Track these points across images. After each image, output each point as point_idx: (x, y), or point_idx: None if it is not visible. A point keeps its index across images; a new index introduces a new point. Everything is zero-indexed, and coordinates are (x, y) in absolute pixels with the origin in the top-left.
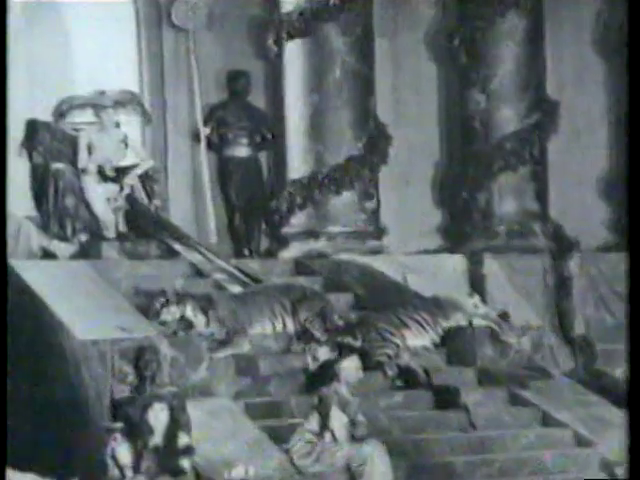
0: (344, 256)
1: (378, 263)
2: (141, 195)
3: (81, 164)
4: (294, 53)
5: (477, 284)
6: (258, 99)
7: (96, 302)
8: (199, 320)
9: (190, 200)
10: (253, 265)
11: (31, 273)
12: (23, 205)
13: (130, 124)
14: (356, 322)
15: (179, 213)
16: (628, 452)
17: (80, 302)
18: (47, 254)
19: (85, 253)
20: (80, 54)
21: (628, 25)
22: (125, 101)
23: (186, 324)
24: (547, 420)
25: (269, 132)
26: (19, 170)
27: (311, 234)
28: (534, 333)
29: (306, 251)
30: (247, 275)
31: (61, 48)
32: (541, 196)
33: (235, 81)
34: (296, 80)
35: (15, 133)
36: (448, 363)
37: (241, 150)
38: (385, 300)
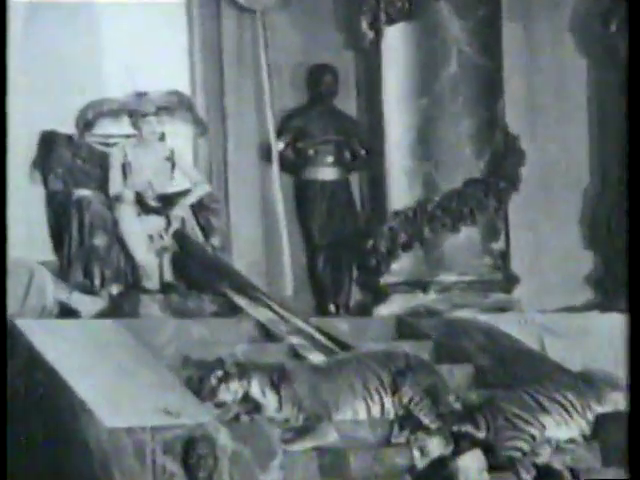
0: (462, 314)
1: (507, 323)
2: (194, 231)
3: (114, 190)
4: (396, 42)
5: None
6: (348, 103)
7: (131, 376)
8: (269, 400)
9: (258, 238)
10: (341, 325)
11: (44, 337)
12: (36, 246)
13: (179, 136)
14: (478, 404)
15: (244, 255)
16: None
17: (109, 376)
18: (66, 311)
19: (117, 310)
20: (114, 48)
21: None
22: (172, 106)
23: (252, 406)
24: None
25: (363, 147)
26: (31, 199)
27: (418, 284)
28: None
29: (411, 307)
30: (333, 339)
31: (89, 43)
32: None
33: (318, 79)
34: (398, 78)
35: (25, 149)
36: (604, 462)
37: (326, 171)
38: (517, 374)
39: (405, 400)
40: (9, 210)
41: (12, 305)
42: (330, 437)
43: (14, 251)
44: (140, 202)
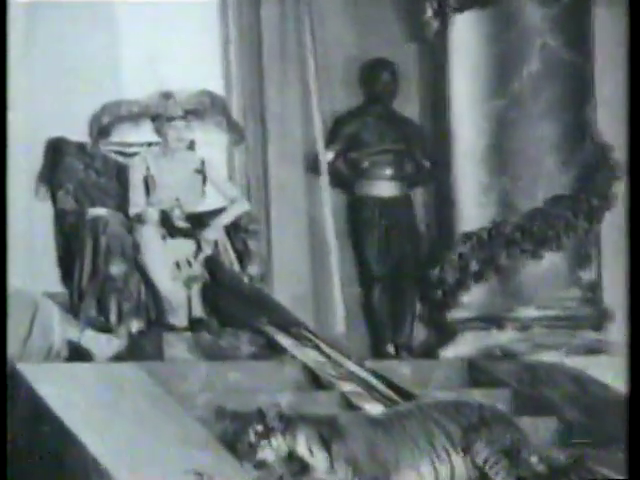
0: (545, 357)
1: (599, 369)
2: (229, 257)
3: (134, 209)
4: (465, 33)
5: None
6: (409, 106)
7: (153, 430)
8: (318, 459)
9: (304, 265)
10: (402, 370)
11: (50, 384)
12: (41, 275)
13: (211, 145)
14: (565, 466)
15: (287, 286)
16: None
17: (127, 430)
18: (77, 353)
19: (137, 351)
20: (134, 41)
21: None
22: (203, 108)
23: (298, 466)
24: None
25: (427, 158)
26: (35, 219)
27: (492, 321)
28: None
29: (485, 348)
30: (392, 386)
31: (104, 38)
32: None
33: (374, 77)
34: (468, 76)
35: (29, 160)
36: None
37: (384, 186)
38: (611, 429)
39: (479, 460)
40: (9, 232)
41: (12, 346)
42: None
43: (15, 281)
44: (165, 223)
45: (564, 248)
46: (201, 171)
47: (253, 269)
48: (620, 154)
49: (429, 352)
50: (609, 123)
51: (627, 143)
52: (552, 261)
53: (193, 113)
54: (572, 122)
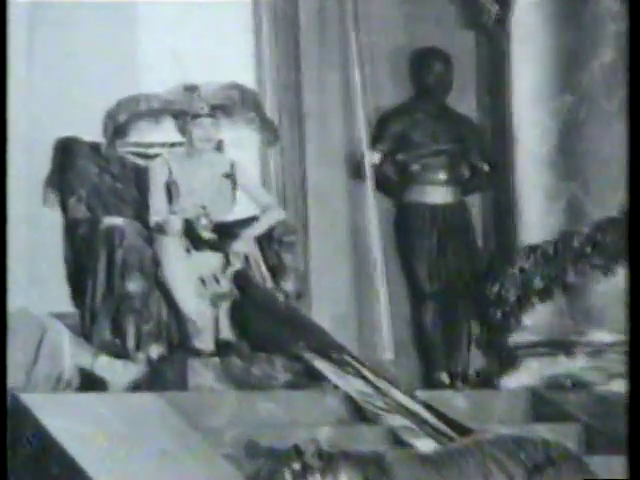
0: (619, 387)
1: None
2: (261, 273)
3: (155, 217)
4: (529, 18)
5: None
6: (465, 101)
7: (177, 469)
8: None
9: (346, 282)
10: (457, 401)
11: (59, 417)
12: (48, 293)
13: (241, 145)
14: None
15: (327, 306)
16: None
17: (148, 468)
18: (90, 381)
19: (158, 379)
20: (154, 28)
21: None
22: (232, 104)
23: None
24: None
25: (485, 160)
26: (43, 229)
27: (560, 346)
28: None
29: (551, 377)
30: (446, 420)
31: (120, 26)
32: None
33: (425, 69)
34: (532, 67)
35: (35, 163)
36: None
37: (436, 192)
38: None
39: None
40: (11, 244)
41: (16, 374)
42: None
43: (17, 299)
44: (189, 233)
45: None
46: (230, 175)
47: (288, 285)
48: None
49: (488, 381)
50: None
51: None
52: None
53: (221, 109)
54: None
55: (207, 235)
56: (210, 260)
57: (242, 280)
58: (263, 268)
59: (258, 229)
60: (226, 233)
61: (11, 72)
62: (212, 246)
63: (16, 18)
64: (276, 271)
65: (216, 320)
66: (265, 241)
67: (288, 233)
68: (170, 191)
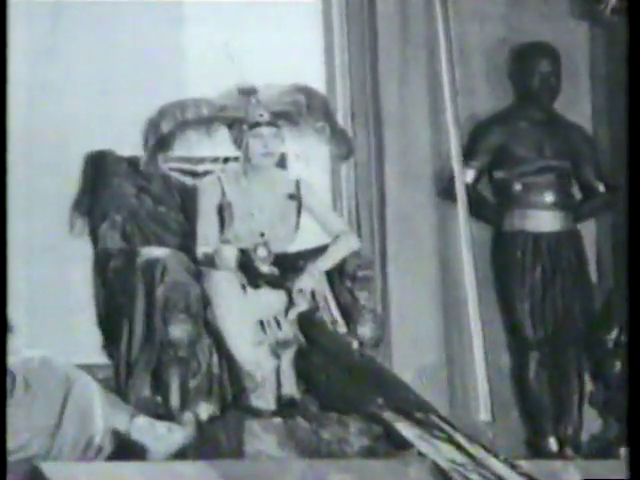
0: None
1: None
2: (331, 316)
3: (204, 248)
4: None
5: None
6: (577, 107)
7: None
8: None
9: (434, 327)
10: (569, 474)
11: None
12: (75, 340)
13: (308, 160)
14: None
15: (411, 356)
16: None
17: None
18: (126, 447)
19: (209, 444)
20: (203, 21)
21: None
22: (297, 111)
23: None
24: None
25: (602, 180)
26: (69, 262)
27: None
28: None
29: None
30: None
31: (164, 18)
32: None
33: (529, 68)
34: None
35: (60, 182)
36: None
37: (543, 217)
38: None
39: None
40: (29, 279)
41: (36, 439)
42: None
43: (38, 348)
44: (246, 267)
45: None
46: (295, 196)
47: (364, 331)
48: None
49: (606, 449)
50: None
51: None
52: None
53: (284, 117)
54: None
55: (266, 269)
56: (270, 299)
57: (309, 324)
58: (334, 309)
59: (328, 262)
60: (289, 266)
61: (32, 76)
62: (272, 282)
63: (38, 18)
64: (349, 313)
65: (277, 373)
66: (336, 276)
67: (363, 267)
68: (223, 216)
